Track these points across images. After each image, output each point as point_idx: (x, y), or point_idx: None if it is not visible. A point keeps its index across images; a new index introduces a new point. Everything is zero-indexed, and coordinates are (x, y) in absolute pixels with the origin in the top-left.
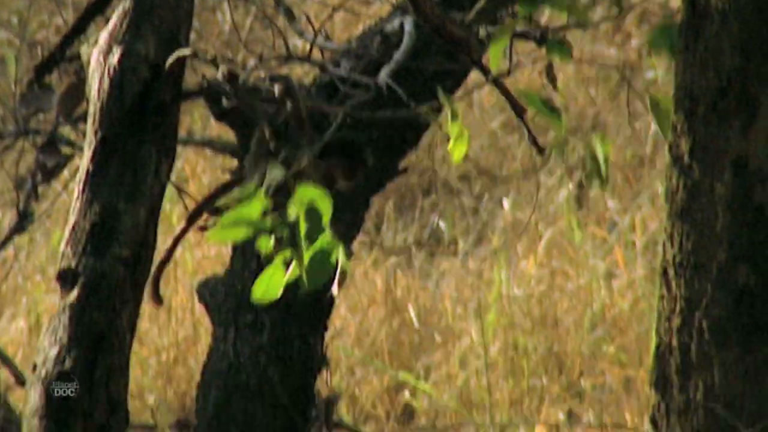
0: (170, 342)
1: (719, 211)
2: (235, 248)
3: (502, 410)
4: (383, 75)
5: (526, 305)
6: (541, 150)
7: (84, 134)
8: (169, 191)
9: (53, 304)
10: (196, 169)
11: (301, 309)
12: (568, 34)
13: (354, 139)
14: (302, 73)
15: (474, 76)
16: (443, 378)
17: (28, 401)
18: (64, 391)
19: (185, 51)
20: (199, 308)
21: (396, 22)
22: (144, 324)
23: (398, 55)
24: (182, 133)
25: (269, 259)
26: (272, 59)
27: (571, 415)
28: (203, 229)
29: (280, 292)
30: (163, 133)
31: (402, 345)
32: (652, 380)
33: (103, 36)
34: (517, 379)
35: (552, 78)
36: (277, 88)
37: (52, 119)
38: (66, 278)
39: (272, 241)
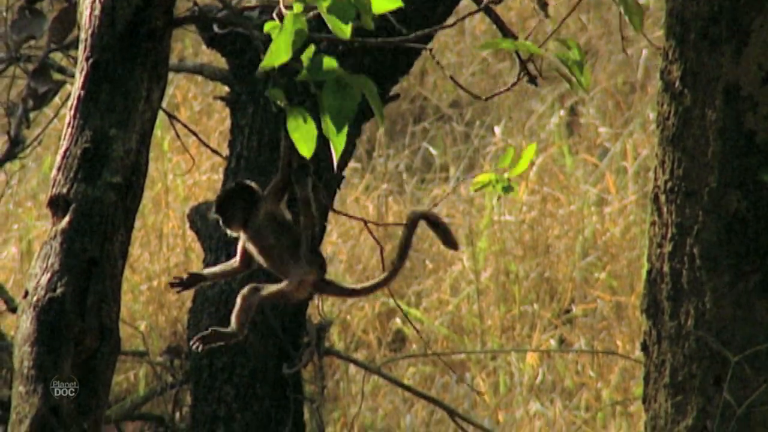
0: (162, 268)
1: (710, 138)
2: (226, 174)
3: (494, 336)
4: None
5: (518, 231)
6: (532, 77)
7: (75, 60)
8: (161, 118)
9: (45, 231)
10: (188, 96)
11: None
12: None
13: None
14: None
15: (466, 2)
16: (434, 304)
17: (20, 328)
18: (56, 318)
19: None
20: (191, 234)
21: None
22: (135, 250)
23: None
24: (173, 59)
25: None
26: None
27: (562, 341)
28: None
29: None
30: (154, 59)
31: None
32: (643, 306)
33: None
34: (509, 306)
35: (543, 4)
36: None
37: (43, 45)
38: (57, 205)
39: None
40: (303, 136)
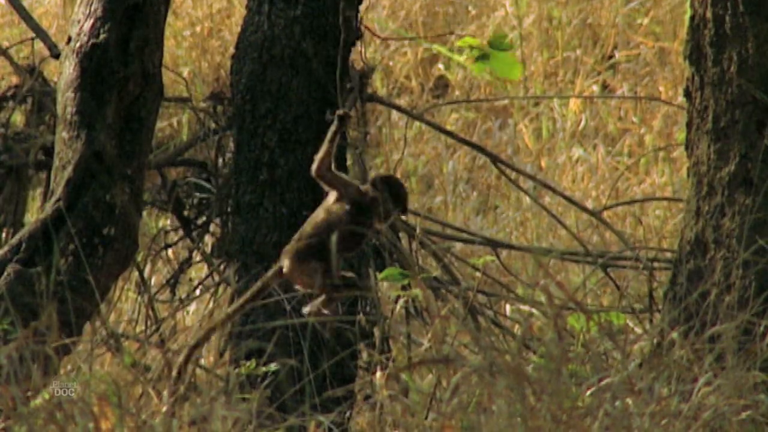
0: (204, 14)
1: None
2: None
3: (537, 83)
4: None
5: None
6: None
7: None
8: None
9: None
10: None
11: None
12: None
13: None
14: None
15: None
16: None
17: (63, 74)
18: (99, 64)
19: None
20: None
21: None
22: None
23: None
24: None
25: None
26: None
27: (605, 87)
28: None
29: None
30: None
31: (436, 17)
32: (686, 52)
33: None
34: (552, 52)
35: None
36: None
37: None
38: None
39: None
40: None
